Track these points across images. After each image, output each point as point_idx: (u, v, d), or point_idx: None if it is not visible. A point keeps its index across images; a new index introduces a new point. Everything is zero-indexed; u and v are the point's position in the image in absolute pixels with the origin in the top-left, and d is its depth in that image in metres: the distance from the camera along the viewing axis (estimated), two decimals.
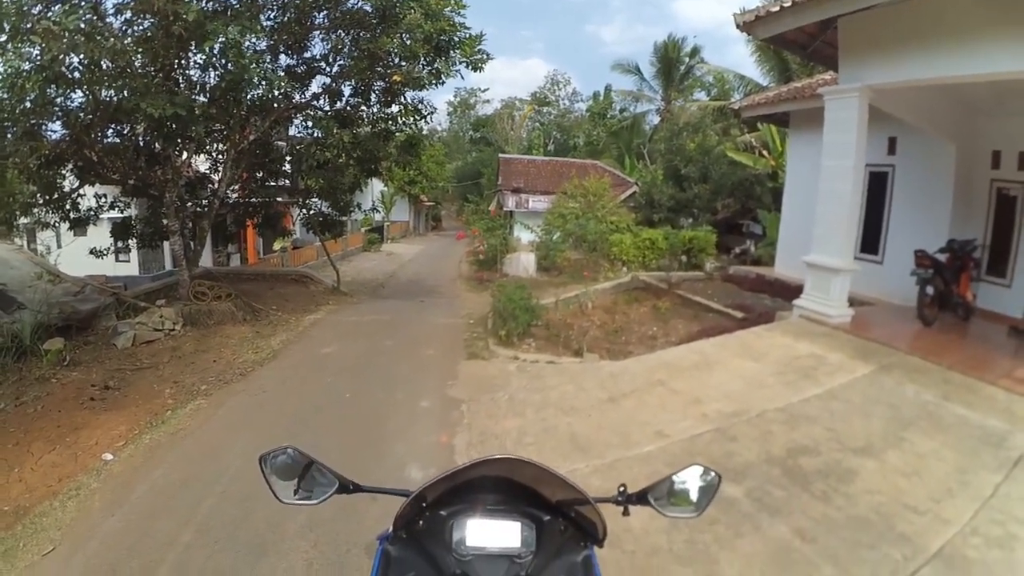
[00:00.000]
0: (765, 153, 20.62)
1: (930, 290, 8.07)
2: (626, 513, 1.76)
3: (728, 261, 16.99)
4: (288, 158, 15.49)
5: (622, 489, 1.73)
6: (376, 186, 34.45)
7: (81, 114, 10.30)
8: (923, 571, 3.54)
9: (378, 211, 25.82)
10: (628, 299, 13.17)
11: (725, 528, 4.10)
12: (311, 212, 16.72)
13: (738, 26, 8.96)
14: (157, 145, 11.69)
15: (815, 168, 9.31)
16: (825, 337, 7.93)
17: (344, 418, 6.69)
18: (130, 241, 15.18)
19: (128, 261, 19.14)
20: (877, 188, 10.69)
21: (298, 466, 1.66)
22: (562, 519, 1.60)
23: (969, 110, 8.91)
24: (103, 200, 13.45)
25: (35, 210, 12.15)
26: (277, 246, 25.64)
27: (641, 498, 1.68)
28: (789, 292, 10.12)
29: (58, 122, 10.39)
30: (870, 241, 10.88)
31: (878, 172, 10.64)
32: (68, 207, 12.48)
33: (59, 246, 16.67)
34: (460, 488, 1.57)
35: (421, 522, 1.59)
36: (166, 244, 14.39)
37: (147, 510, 4.68)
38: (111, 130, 11.74)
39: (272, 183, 16.27)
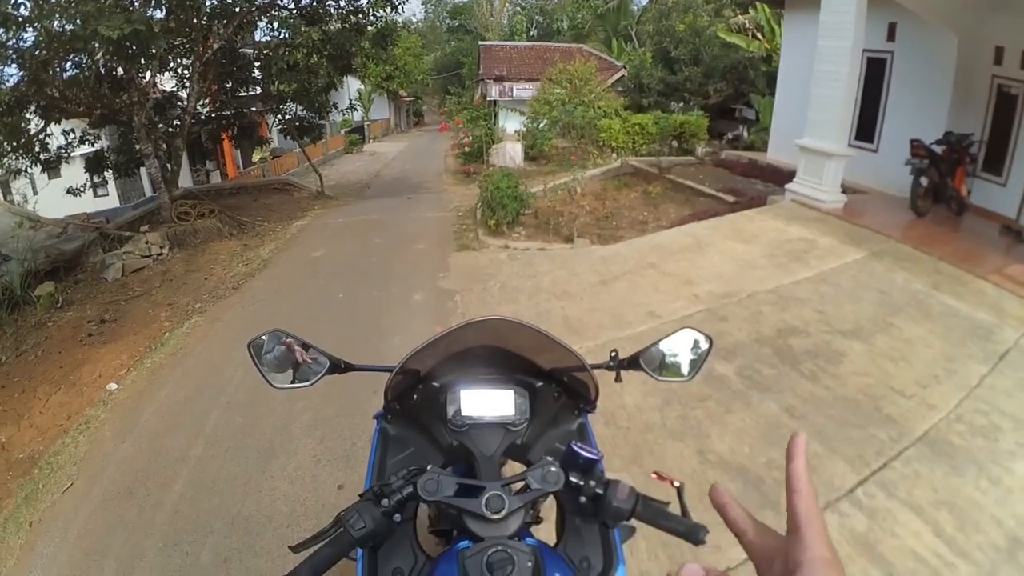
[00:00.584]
0: (759, 35, 19.94)
1: (924, 181, 7.95)
2: (618, 379, 1.73)
3: (720, 146, 16.74)
4: (257, 64, 14.71)
5: (614, 354, 1.70)
6: (353, 85, 33.49)
7: (36, 52, 9.69)
8: (908, 452, 3.63)
9: (356, 110, 24.93)
10: (618, 185, 13.07)
11: (716, 404, 4.18)
12: (287, 118, 16.10)
13: None
14: (119, 69, 11.09)
15: (811, 51, 9.01)
16: (817, 222, 7.91)
17: (340, 317, 6.70)
18: (106, 174, 14.72)
19: (107, 195, 18.73)
20: (874, 75, 10.38)
21: (287, 349, 1.61)
22: (555, 385, 1.57)
23: (975, 1, 8.55)
24: (72, 136, 12.82)
25: (4, 159, 11.59)
26: (256, 157, 25.02)
27: (633, 363, 1.64)
28: (782, 177, 10.03)
29: (13, 65, 9.84)
30: (865, 129, 10.65)
31: (876, 58, 10.31)
32: (37, 149, 11.86)
33: (35, 192, 16.27)
34: (453, 359, 1.53)
35: (415, 396, 1.56)
36: (143, 171, 14.01)
37: (156, 431, 4.76)
38: (69, 63, 11.04)
39: (243, 92, 15.58)
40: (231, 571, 3.25)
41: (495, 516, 1.09)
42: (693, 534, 1.07)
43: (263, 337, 1.58)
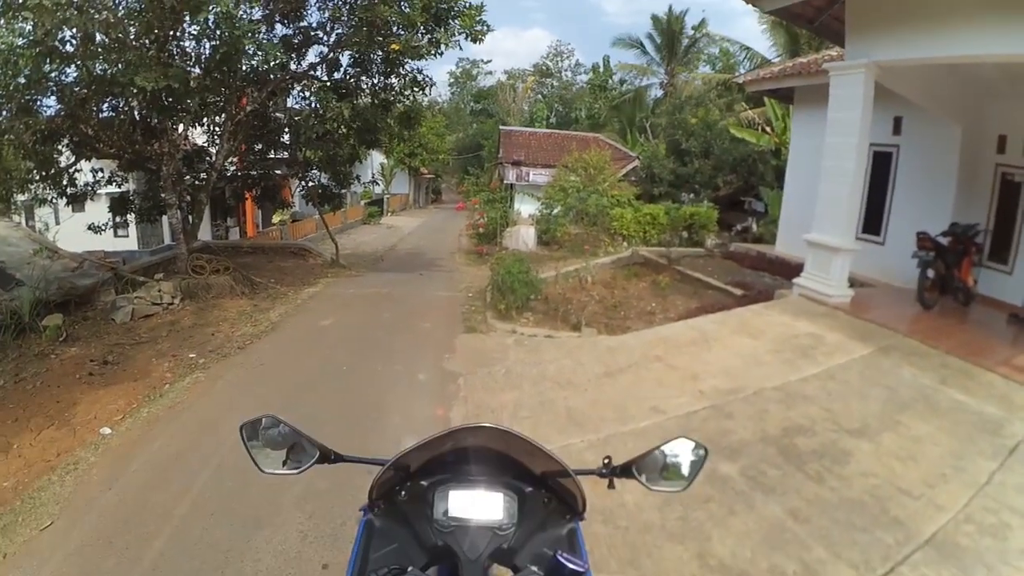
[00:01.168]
0: (768, 129, 20.44)
1: (931, 273, 7.99)
2: (611, 486, 1.73)
3: (729, 238, 16.90)
4: (287, 129, 15.28)
5: (606, 461, 1.70)
6: (376, 158, 34.45)
7: (76, 88, 10.20)
8: (915, 556, 3.52)
9: (378, 184, 25.57)
10: (628, 274, 13.16)
11: (718, 506, 4.11)
12: (310, 184, 16.59)
13: None
14: (153, 118, 11.55)
15: (819, 146, 9.21)
16: (824, 317, 7.90)
17: (341, 390, 6.68)
18: (128, 216, 15.11)
19: (127, 236, 19.12)
20: (881, 168, 10.60)
21: (279, 435, 1.64)
22: (545, 491, 1.58)
23: (977, 92, 8.77)
24: (100, 175, 13.34)
25: (32, 186, 12.03)
26: (276, 219, 25.47)
27: (626, 471, 1.65)
28: (789, 271, 10.09)
29: (53, 97, 10.33)
30: (872, 222, 10.80)
31: (882, 152, 10.55)
32: (65, 182, 12.34)
33: (57, 223, 16.60)
34: (442, 458, 1.56)
35: (403, 492, 1.58)
36: (165, 218, 14.28)
37: (144, 483, 4.72)
38: (106, 104, 11.62)
39: (271, 155, 16.13)
40: None
41: None
42: None
43: (258, 420, 1.61)
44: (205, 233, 18.78)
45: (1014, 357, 6.32)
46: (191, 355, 7.78)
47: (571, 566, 1.19)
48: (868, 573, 3.43)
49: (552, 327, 9.14)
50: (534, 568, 1.19)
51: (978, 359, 6.29)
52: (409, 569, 1.18)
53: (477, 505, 1.49)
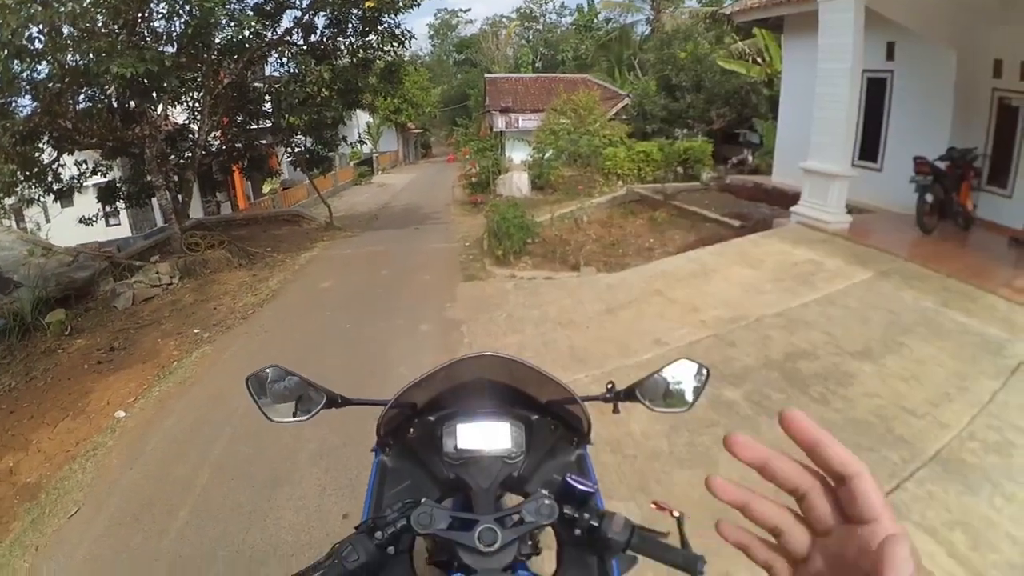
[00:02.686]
0: (760, 60, 20.05)
1: (929, 198, 7.92)
2: (616, 411, 1.73)
3: (725, 171, 16.68)
4: (267, 98, 15.00)
5: (610, 386, 1.70)
6: (362, 118, 33.91)
7: (49, 84, 9.96)
8: (920, 473, 3.56)
9: (365, 143, 25.21)
10: (624, 212, 13.09)
11: (724, 430, 4.06)
12: (297, 150, 16.29)
13: None
14: (131, 103, 11.32)
15: (812, 74, 9.05)
16: (823, 243, 7.88)
17: (346, 348, 6.69)
18: (118, 203, 14.93)
19: (119, 224, 19.06)
20: (875, 94, 10.41)
21: (285, 385, 1.62)
22: (551, 418, 1.57)
23: (971, 16, 8.52)
24: (84, 167, 13.06)
25: (18, 188, 11.79)
26: (266, 189, 25.23)
27: (629, 394, 1.64)
28: (787, 200, 10.01)
29: (27, 96, 10.11)
30: (869, 148, 10.66)
31: (876, 78, 10.34)
32: (50, 179, 12.13)
33: (48, 220, 16.58)
34: (448, 393, 1.55)
35: (412, 430, 1.56)
36: (155, 201, 14.20)
37: (163, 459, 4.76)
38: (82, 95, 11.37)
39: (254, 125, 15.84)
40: None
41: (488, 549, 1.08)
42: (691, 565, 1.07)
43: (263, 372, 1.60)
44: (196, 211, 18.60)
45: (1015, 279, 6.28)
46: (196, 331, 7.77)
47: (580, 487, 1.17)
48: None
49: (551, 269, 9.11)
50: (544, 492, 1.16)
51: (980, 282, 6.26)
52: (423, 500, 1.16)
53: (485, 436, 1.48)
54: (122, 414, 5.66)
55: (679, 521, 1.16)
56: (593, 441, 1.63)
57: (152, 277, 10.00)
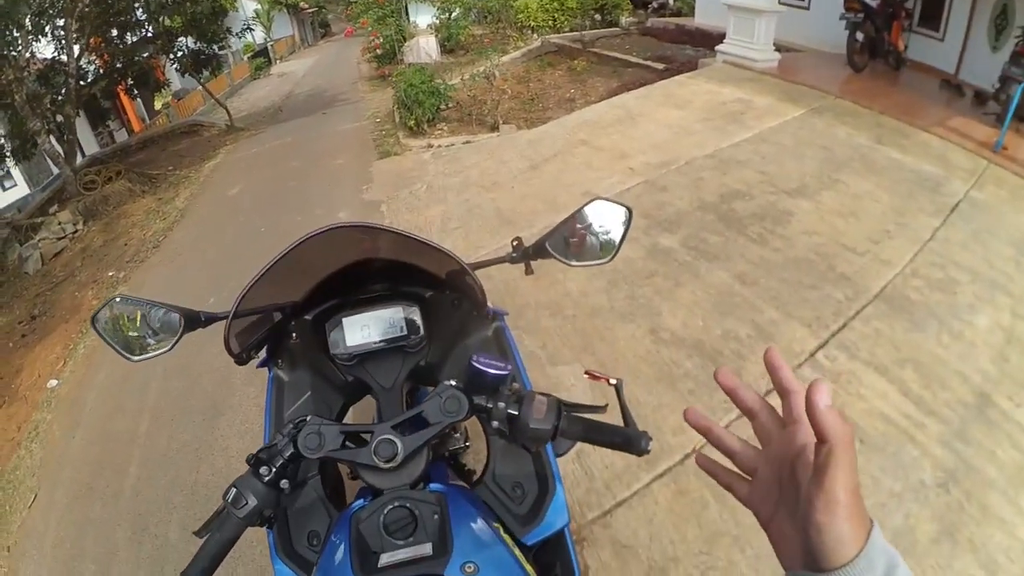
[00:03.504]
0: None
1: (860, 36, 7.69)
2: (529, 271, 1.48)
3: (646, 15, 16.13)
4: (136, 5, 13.32)
5: (515, 243, 1.42)
6: (248, 6, 32.09)
7: None
8: (866, 311, 3.48)
9: (253, 30, 23.42)
10: (541, 65, 12.48)
11: (664, 279, 3.93)
12: (180, 54, 14.92)
13: None
14: None
15: None
16: (751, 82, 7.60)
17: (264, 251, 6.10)
18: (6, 163, 13.37)
19: (16, 185, 17.20)
20: None
21: (133, 316, 1.34)
22: (450, 292, 1.36)
23: None
24: None
25: None
26: (159, 104, 23.37)
27: (539, 250, 1.36)
28: (712, 41, 9.60)
29: None
30: None
31: None
32: None
33: None
34: (325, 285, 1.32)
35: (293, 335, 1.35)
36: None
37: (101, 417, 4.55)
38: None
39: (130, 38, 14.11)
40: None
41: (387, 465, 0.93)
42: (634, 444, 0.90)
43: (104, 310, 1.34)
44: (91, 146, 17.32)
45: (948, 119, 6.13)
46: (110, 273, 7.33)
47: (491, 371, 0.95)
48: (822, 330, 3.36)
49: (468, 133, 8.70)
50: (449, 383, 0.97)
51: (912, 119, 6.11)
52: (309, 418, 0.97)
53: (374, 326, 1.31)
54: (54, 383, 5.37)
55: (617, 390, 0.98)
56: (508, 310, 1.45)
57: (55, 229, 9.39)
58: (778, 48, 8.42)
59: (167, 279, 6.60)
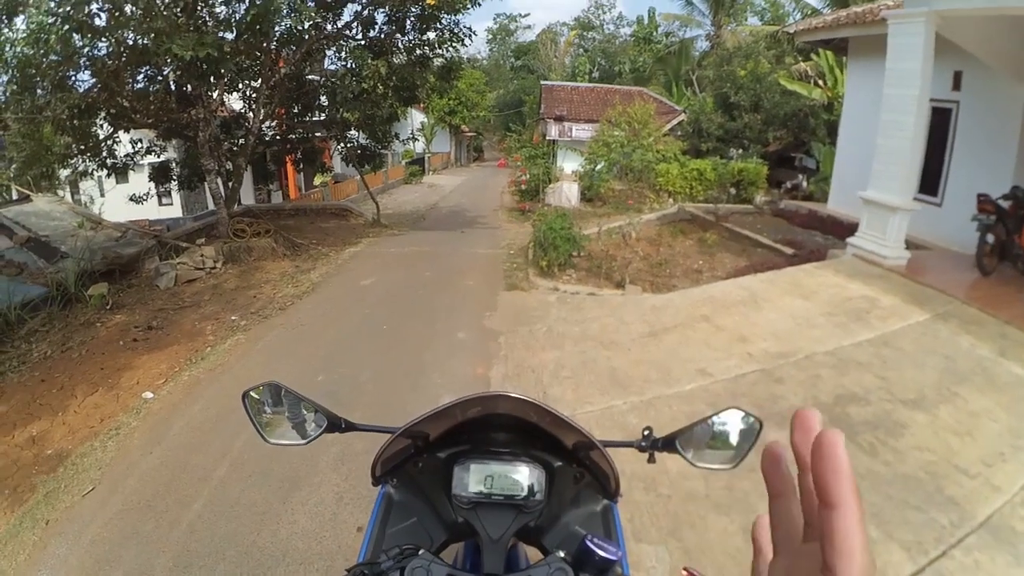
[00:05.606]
0: (821, 83, 19.64)
1: (991, 238, 7.59)
2: (651, 460, 1.56)
3: (779, 195, 16.40)
4: (323, 91, 15.12)
5: (647, 432, 1.52)
6: (416, 117, 34.26)
7: (108, 61, 10.20)
8: (969, 540, 3.37)
9: (416, 139, 25.56)
10: (673, 231, 12.90)
11: None
12: (349, 145, 16.42)
13: None
14: (188, 86, 11.57)
15: (875, 99, 8.78)
16: (879, 279, 7.61)
17: (381, 349, 6.68)
18: (171, 185, 15.24)
19: (172, 204, 19.43)
20: (939, 125, 10.01)
21: (284, 403, 1.51)
22: (577, 465, 1.44)
23: None
24: (139, 145, 13.37)
25: (72, 161, 12.09)
26: (318, 181, 25.44)
27: (668, 444, 1.47)
28: (842, 230, 9.76)
29: (86, 71, 10.34)
30: (929, 182, 10.25)
31: (941, 108, 9.97)
32: (104, 154, 12.39)
33: (102, 195, 16.93)
34: (463, 428, 1.43)
35: (420, 464, 1.46)
36: (207, 185, 14.43)
37: (184, 446, 4.78)
38: (141, 74, 11.65)
39: (309, 118, 15.99)
40: None
41: None
42: None
43: (262, 388, 1.49)
44: (248, 198, 18.97)
45: None
46: (233, 317, 7.85)
47: (601, 553, 1.07)
48: (920, 556, 3.28)
49: (595, 284, 9.01)
50: (561, 554, 1.07)
51: None
52: (420, 552, 1.07)
53: (500, 479, 1.37)
54: (150, 395, 5.72)
55: None
56: (622, 495, 1.52)
57: (196, 259, 10.17)
58: (907, 244, 8.41)
59: (284, 342, 6.95)
